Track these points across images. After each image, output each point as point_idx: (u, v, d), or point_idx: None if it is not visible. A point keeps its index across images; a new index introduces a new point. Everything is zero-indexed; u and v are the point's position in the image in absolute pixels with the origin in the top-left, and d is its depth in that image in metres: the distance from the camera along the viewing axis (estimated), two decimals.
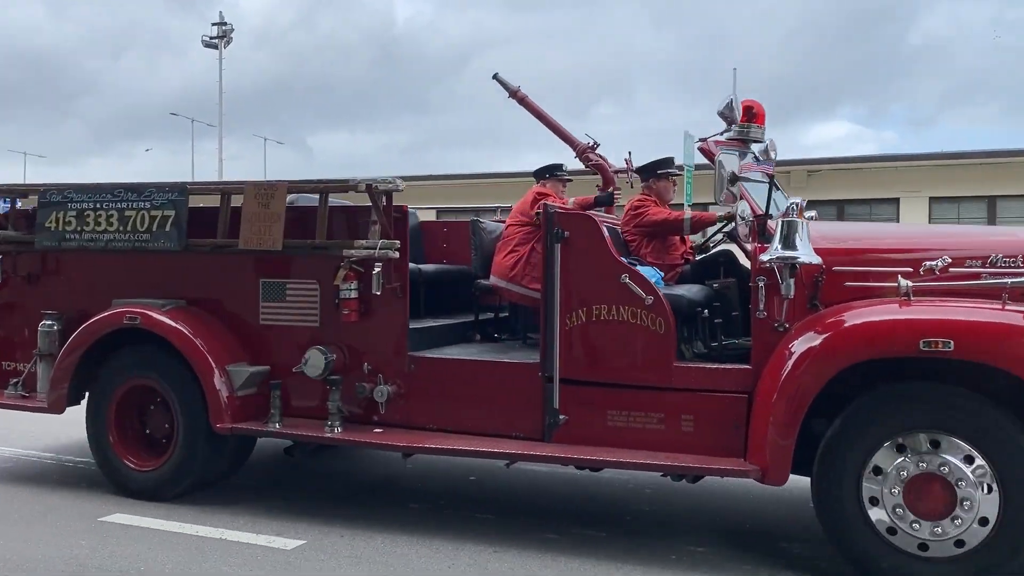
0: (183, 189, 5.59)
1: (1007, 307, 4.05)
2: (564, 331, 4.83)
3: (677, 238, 5.78)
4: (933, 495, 3.99)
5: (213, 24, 39.00)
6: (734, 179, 4.49)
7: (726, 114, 4.67)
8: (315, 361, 5.27)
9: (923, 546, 4.01)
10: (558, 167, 6.06)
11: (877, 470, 4.09)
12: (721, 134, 4.87)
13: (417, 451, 5.06)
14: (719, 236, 5.79)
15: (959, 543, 3.95)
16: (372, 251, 5.09)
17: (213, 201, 5.69)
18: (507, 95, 6.57)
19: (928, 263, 4.38)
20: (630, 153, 6.22)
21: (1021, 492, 3.88)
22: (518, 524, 5.20)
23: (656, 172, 5.77)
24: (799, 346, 4.30)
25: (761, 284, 4.54)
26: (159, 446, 5.70)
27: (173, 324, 5.50)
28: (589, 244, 4.83)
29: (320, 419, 5.32)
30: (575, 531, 5.07)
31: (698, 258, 5.79)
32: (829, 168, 21.91)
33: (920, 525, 4.00)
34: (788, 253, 4.33)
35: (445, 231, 7.06)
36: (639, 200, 5.72)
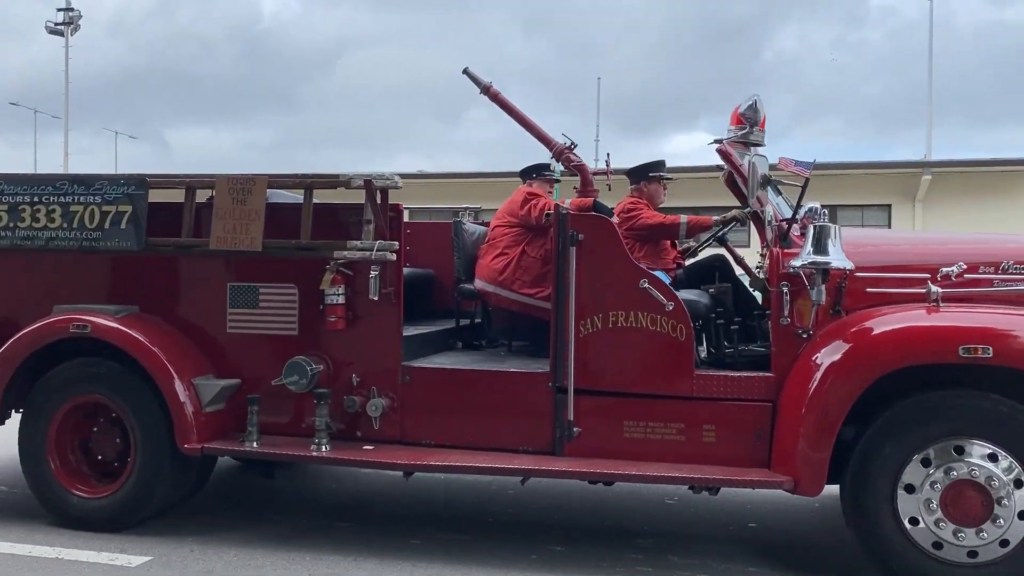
0: (142, 182, 5.02)
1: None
2: (578, 339, 4.60)
3: (668, 242, 5.66)
4: (972, 500, 3.99)
5: (59, 10, 36.47)
6: (766, 182, 4.39)
7: (748, 115, 4.57)
8: (297, 373, 4.83)
9: (972, 553, 4.00)
10: (545, 167, 5.83)
11: (910, 488, 4.06)
12: (738, 135, 4.76)
13: (420, 469, 4.70)
14: (707, 240, 5.71)
15: (1004, 543, 3.97)
16: (368, 252, 4.71)
17: (169, 197, 5.16)
18: (478, 91, 6.27)
19: (944, 269, 4.41)
20: (608, 155, 6.07)
21: None
22: (376, 532, 5.06)
23: (648, 175, 5.63)
24: (831, 354, 4.23)
25: (785, 290, 4.45)
26: (110, 470, 5.10)
27: (130, 333, 4.92)
28: (606, 247, 4.62)
29: (303, 437, 4.89)
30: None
31: (690, 263, 5.68)
32: (688, 176, 22.50)
33: (964, 534, 3.99)
34: (821, 258, 4.26)
35: (408, 232, 6.68)
36: (631, 203, 5.57)
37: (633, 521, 5.43)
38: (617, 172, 6.11)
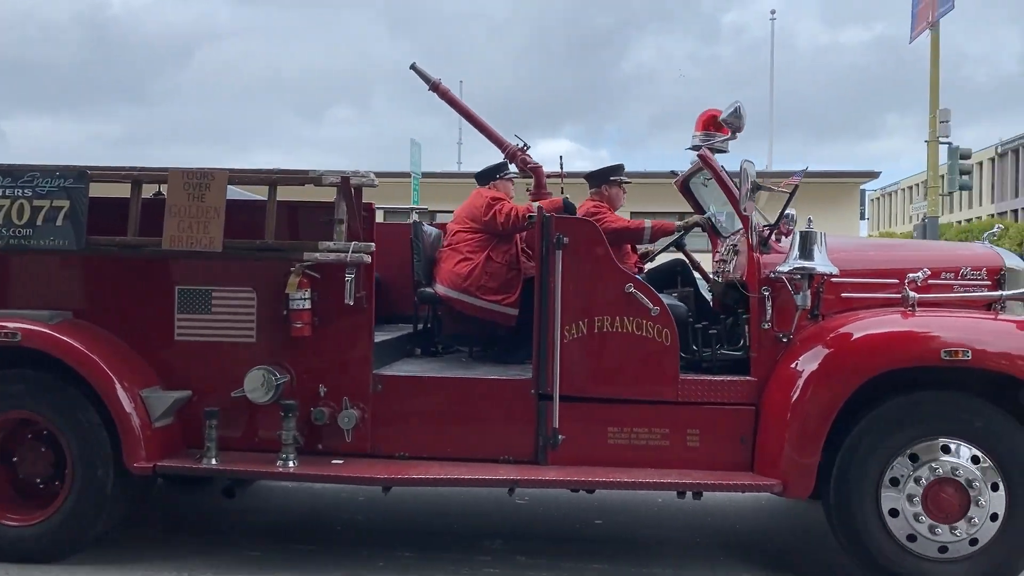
0: (81, 174, 4.55)
1: (1000, 318, 4.34)
2: (563, 345, 4.50)
3: (629, 247, 5.65)
4: (949, 499, 4.14)
5: None
6: (756, 188, 4.43)
7: (731, 122, 4.60)
8: (260, 383, 4.50)
9: (943, 548, 4.16)
10: (504, 167, 5.69)
11: (895, 481, 4.19)
12: (722, 142, 4.80)
13: (401, 483, 4.47)
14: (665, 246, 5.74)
15: (973, 541, 4.14)
16: (343, 254, 4.45)
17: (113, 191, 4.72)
18: (427, 87, 6.08)
19: (911, 275, 4.57)
20: (562, 158, 6.01)
21: (1023, 485, 4.14)
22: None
23: (608, 178, 5.60)
24: (816, 361, 4.31)
25: (766, 294, 4.51)
26: (38, 494, 4.61)
27: (68, 341, 4.47)
28: (591, 251, 4.55)
29: (265, 452, 4.57)
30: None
31: (651, 267, 5.69)
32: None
33: (941, 530, 4.14)
34: (807, 263, 4.34)
35: None
36: (594, 206, 5.52)
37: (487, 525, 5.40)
38: (571, 175, 6.05)
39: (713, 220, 5.57)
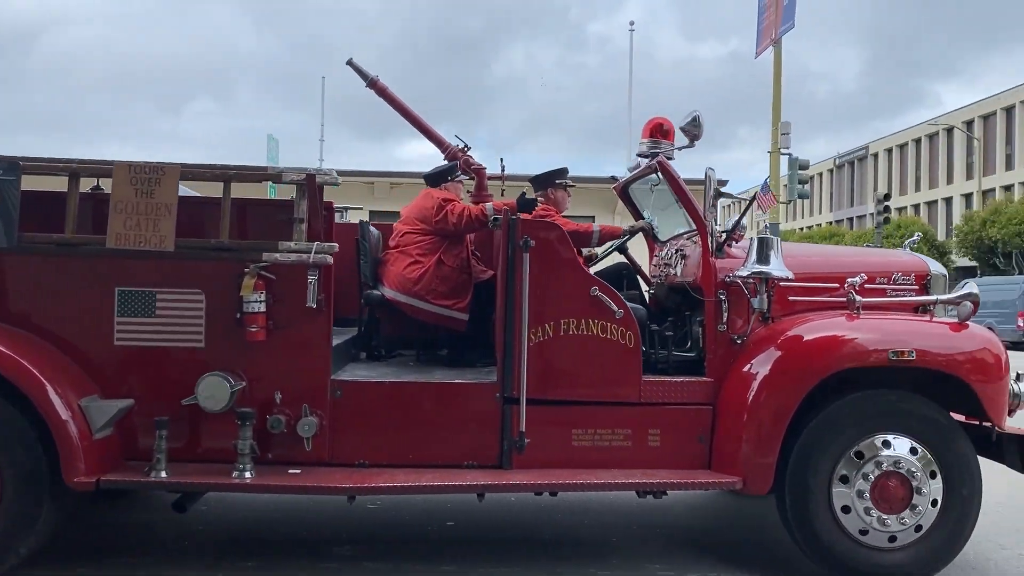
0: (13, 166, 4.19)
1: (934, 320, 4.65)
2: (529, 348, 4.50)
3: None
4: (895, 490, 4.39)
5: None
6: (718, 195, 4.56)
7: (689, 130, 4.71)
8: (215, 391, 4.28)
9: (892, 538, 4.41)
10: (455, 169, 5.60)
11: (844, 479, 4.40)
12: (679, 149, 4.91)
13: (367, 492, 4.32)
14: (606, 250, 5.82)
15: (918, 528, 4.41)
16: (305, 255, 4.28)
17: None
18: (364, 84, 5.93)
19: (850, 280, 4.83)
20: (502, 160, 5.99)
21: (957, 472, 4.44)
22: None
23: (554, 181, 5.63)
24: (770, 362, 4.48)
25: (722, 298, 4.66)
26: None
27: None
28: (556, 253, 4.56)
29: (218, 462, 4.35)
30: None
31: (595, 271, 5.74)
32: (408, 181, 22.86)
33: (889, 520, 4.38)
34: (764, 268, 4.51)
35: None
36: (542, 209, 5.53)
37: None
38: (512, 178, 6.05)
39: (654, 225, 5.71)
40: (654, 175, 5.32)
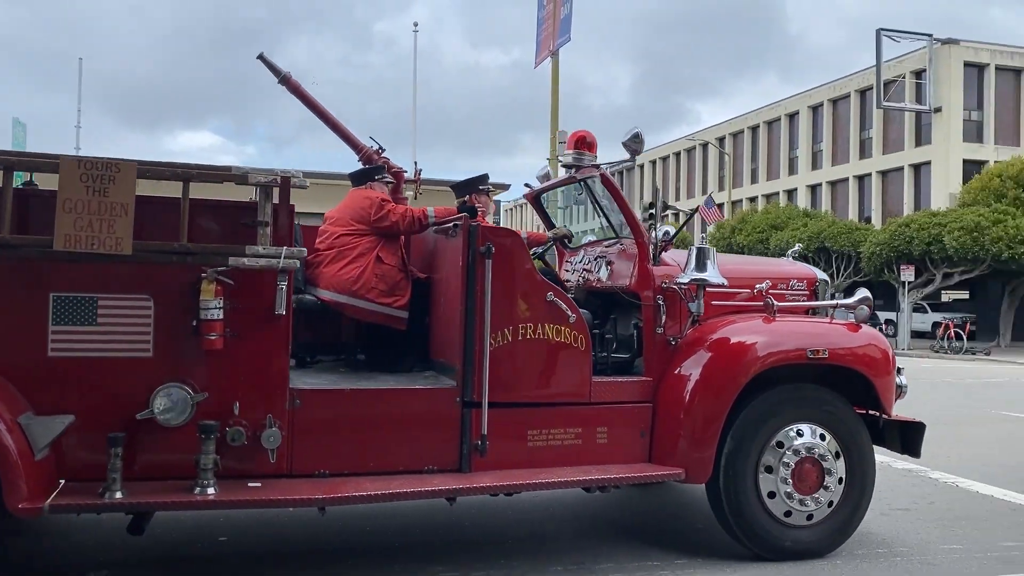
0: None
1: (834, 322, 5.25)
2: (491, 352, 4.59)
3: None
4: (810, 473, 4.92)
5: None
6: (665, 207, 4.87)
7: (629, 145, 4.99)
8: (174, 403, 4.02)
9: (810, 516, 4.92)
10: (381, 169, 5.52)
11: (769, 468, 4.87)
12: (623, 163, 5.17)
13: (338, 502, 4.21)
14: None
15: (830, 503, 4.96)
16: (275, 260, 4.13)
17: None
18: (275, 80, 5.71)
19: (758, 286, 5.35)
20: (416, 163, 5.99)
21: (856, 452, 5.04)
22: None
23: (477, 187, 5.71)
24: (705, 363, 4.86)
25: (660, 303, 4.99)
26: None
27: None
28: (514, 260, 4.68)
29: (176, 479, 4.09)
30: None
31: None
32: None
33: (808, 502, 4.90)
34: (702, 275, 4.88)
35: None
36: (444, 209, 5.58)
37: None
38: (427, 182, 6.07)
39: (572, 233, 5.97)
40: (575, 185, 5.58)
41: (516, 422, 4.68)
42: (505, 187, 36.79)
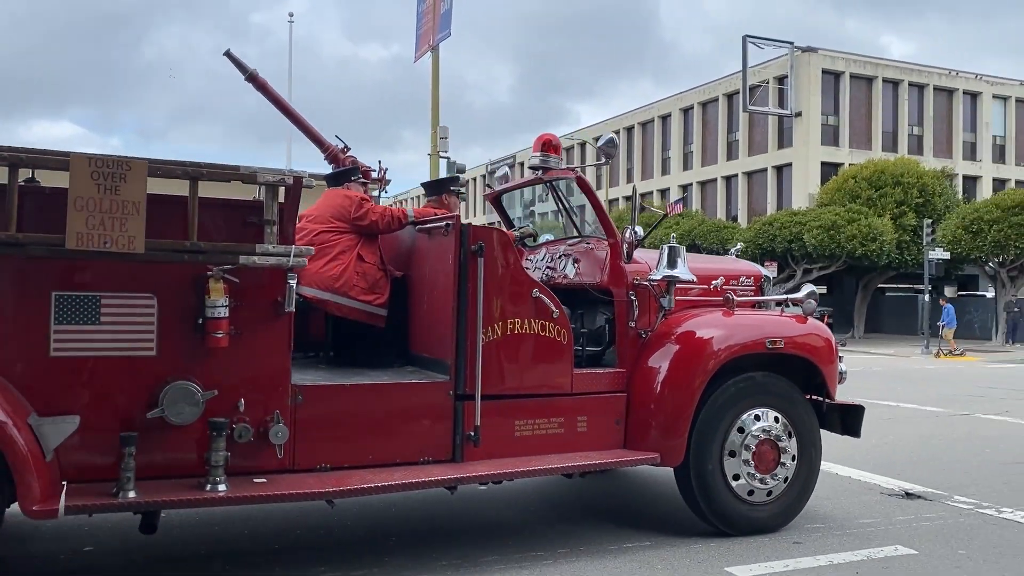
0: None
1: (785, 315, 5.69)
2: (484, 346, 4.77)
3: None
4: (768, 454, 5.34)
5: None
6: (642, 208, 5.16)
7: (605, 149, 5.27)
8: (185, 401, 4.03)
9: (769, 493, 5.34)
10: (356, 171, 5.58)
11: (732, 453, 5.25)
12: (593, 166, 5.42)
13: (347, 495, 4.27)
14: None
15: (786, 479, 5.39)
16: (284, 259, 4.18)
17: None
18: (243, 77, 5.68)
19: (714, 282, 5.75)
20: (380, 162, 6.08)
21: (805, 431, 5.48)
22: None
23: (449, 188, 5.85)
24: (675, 354, 5.19)
25: (633, 298, 5.30)
26: None
27: None
28: (504, 258, 4.87)
29: (185, 477, 4.10)
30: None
31: None
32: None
33: (767, 480, 5.31)
34: (673, 272, 5.22)
35: None
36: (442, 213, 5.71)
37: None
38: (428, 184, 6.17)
39: (536, 232, 6.21)
40: (539, 186, 5.83)
41: (505, 413, 4.88)
42: (387, 182, 36.80)
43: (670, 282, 5.28)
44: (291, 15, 48.77)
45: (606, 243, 5.52)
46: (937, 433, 9.75)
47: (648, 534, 5.34)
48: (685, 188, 47.74)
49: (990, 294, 35.76)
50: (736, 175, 45.01)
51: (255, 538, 5.23)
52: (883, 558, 4.92)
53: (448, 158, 25.94)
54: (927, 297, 30.36)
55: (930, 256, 29.43)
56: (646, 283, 5.31)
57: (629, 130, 52.77)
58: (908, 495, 6.51)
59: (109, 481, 3.98)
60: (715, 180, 46.26)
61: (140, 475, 3.99)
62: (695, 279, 5.38)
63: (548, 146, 5.64)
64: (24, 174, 3.96)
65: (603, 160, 5.37)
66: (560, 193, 5.97)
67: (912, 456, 8.10)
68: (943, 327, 27.51)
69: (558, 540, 5.20)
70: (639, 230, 5.43)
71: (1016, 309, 32.02)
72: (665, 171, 49.84)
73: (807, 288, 5.70)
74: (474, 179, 60.29)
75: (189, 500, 4.02)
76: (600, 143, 5.30)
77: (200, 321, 4.10)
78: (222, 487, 4.06)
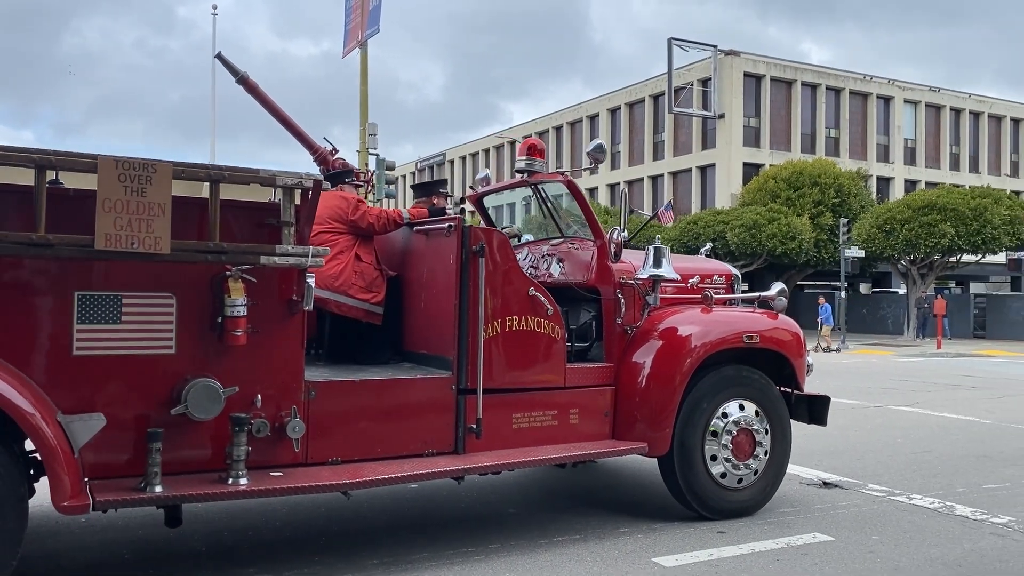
0: None
1: (757, 311, 6.04)
2: (485, 342, 4.97)
3: None
4: (745, 443, 5.67)
5: None
6: (631, 211, 5.42)
7: (593, 155, 5.51)
8: (208, 398, 4.13)
9: (739, 480, 5.67)
10: (350, 173, 5.70)
11: (714, 434, 5.56)
12: (584, 170, 5.65)
13: (361, 486, 4.42)
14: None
15: (756, 471, 5.73)
16: (303, 259, 4.30)
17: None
18: (233, 80, 5.73)
19: (690, 281, 6.07)
20: (367, 165, 6.19)
21: (780, 428, 5.83)
22: None
23: (438, 190, 6.01)
24: (661, 350, 5.48)
25: (619, 296, 5.57)
26: None
27: None
28: (503, 258, 5.07)
29: (206, 472, 4.20)
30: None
31: None
32: None
33: (739, 467, 5.64)
34: (659, 271, 5.50)
35: None
36: (415, 209, 5.87)
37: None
38: (417, 187, 6.29)
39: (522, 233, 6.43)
40: (527, 188, 6.05)
41: (503, 406, 5.08)
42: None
43: (655, 281, 5.56)
44: (215, 8, 47.69)
45: (591, 243, 5.78)
46: (853, 424, 10.22)
47: (578, 528, 5.48)
48: (613, 188, 48.53)
49: (902, 291, 37.45)
50: (662, 175, 45.97)
51: (182, 539, 5.13)
52: (802, 545, 5.16)
53: (377, 155, 25.86)
54: (843, 294, 31.62)
55: (846, 254, 30.62)
56: (632, 282, 5.58)
57: (558, 129, 53.34)
58: (826, 484, 6.83)
59: (129, 477, 4.06)
60: (642, 180, 47.15)
61: (171, 470, 4.09)
62: (679, 278, 5.68)
63: (533, 150, 5.88)
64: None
65: (592, 165, 5.62)
66: (544, 195, 6.20)
67: (829, 447, 8.45)
68: (821, 324, 28.45)
69: (488, 536, 5.27)
70: (625, 232, 5.69)
71: (926, 305, 33.58)
72: (593, 170, 50.48)
73: (777, 286, 6.05)
74: (403, 176, 60.11)
75: (215, 494, 4.11)
76: (589, 149, 5.55)
77: (219, 319, 4.20)
78: (244, 481, 4.17)
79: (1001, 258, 36.89)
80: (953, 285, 46.25)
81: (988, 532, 5.52)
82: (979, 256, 32.98)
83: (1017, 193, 41.29)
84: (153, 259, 3.98)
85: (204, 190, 4.94)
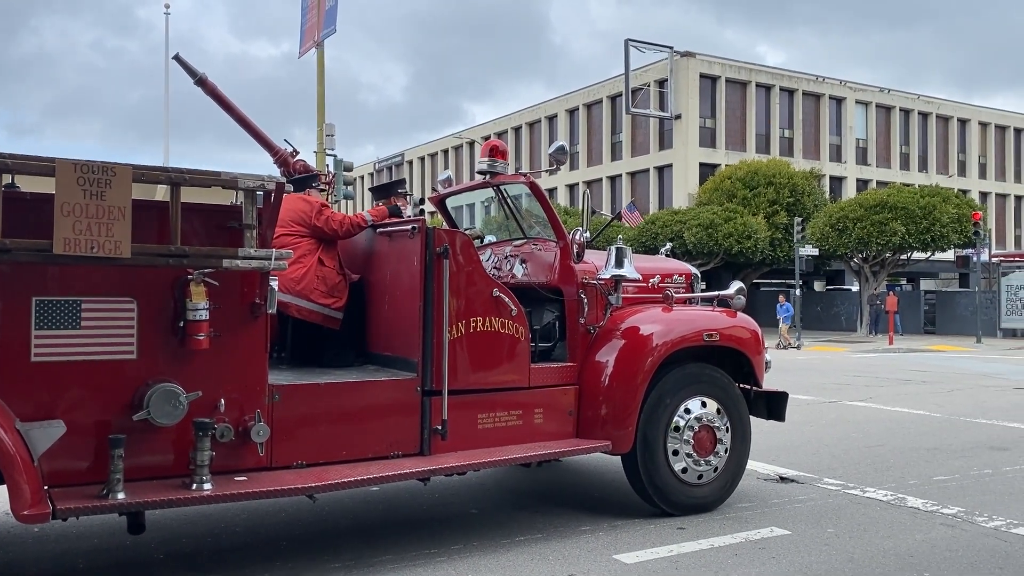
0: None
1: (717, 310, 6.13)
2: (449, 344, 4.98)
3: None
4: (706, 439, 5.75)
5: None
6: (593, 212, 5.46)
7: (557, 156, 5.54)
8: (169, 403, 4.09)
9: (700, 476, 5.75)
10: (315, 178, 5.67)
11: (676, 428, 5.64)
12: (544, 172, 5.69)
13: (326, 489, 4.41)
14: None
15: (716, 468, 5.81)
16: (266, 262, 4.28)
17: None
18: (192, 81, 5.67)
19: (651, 280, 6.15)
20: (329, 166, 6.17)
21: (740, 424, 5.92)
22: None
23: (397, 191, 6.00)
24: (621, 349, 5.53)
25: (582, 296, 5.62)
26: None
27: None
28: (467, 260, 5.09)
29: (169, 477, 4.16)
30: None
31: None
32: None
33: (701, 463, 5.72)
34: (621, 272, 5.56)
35: None
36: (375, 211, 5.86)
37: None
38: (376, 188, 6.27)
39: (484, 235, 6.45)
40: (489, 190, 6.07)
41: (468, 407, 5.10)
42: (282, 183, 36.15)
43: (618, 280, 5.62)
44: (167, 7, 46.99)
45: (553, 244, 5.83)
46: (808, 419, 10.37)
47: (540, 527, 5.51)
48: (572, 188, 48.73)
49: (855, 288, 38.13)
50: (620, 175, 46.26)
51: (139, 547, 5.08)
52: (760, 539, 5.24)
53: (335, 156, 25.68)
54: (798, 292, 32.12)
55: (800, 253, 31.11)
56: (594, 282, 5.63)
57: (517, 130, 53.43)
58: (782, 479, 6.95)
59: (90, 484, 4.01)
60: (600, 180, 47.41)
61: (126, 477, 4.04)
62: (640, 278, 5.74)
63: (496, 151, 5.91)
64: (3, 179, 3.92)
65: (553, 166, 5.66)
66: (506, 197, 6.23)
67: (785, 442, 8.56)
68: (780, 321, 28.87)
69: (452, 536, 5.28)
70: (587, 233, 5.74)
71: (878, 302, 34.25)
72: (554, 171, 50.60)
73: (736, 285, 6.15)
74: (361, 177, 59.75)
75: (178, 500, 4.08)
76: (550, 150, 5.59)
77: (181, 324, 4.17)
78: (208, 486, 4.14)
79: (950, 255, 37.78)
80: (904, 282, 47.19)
81: (939, 523, 5.66)
82: (929, 253, 33.70)
83: (964, 192, 42.32)
84: (113, 263, 3.94)
85: (158, 193, 4.93)
